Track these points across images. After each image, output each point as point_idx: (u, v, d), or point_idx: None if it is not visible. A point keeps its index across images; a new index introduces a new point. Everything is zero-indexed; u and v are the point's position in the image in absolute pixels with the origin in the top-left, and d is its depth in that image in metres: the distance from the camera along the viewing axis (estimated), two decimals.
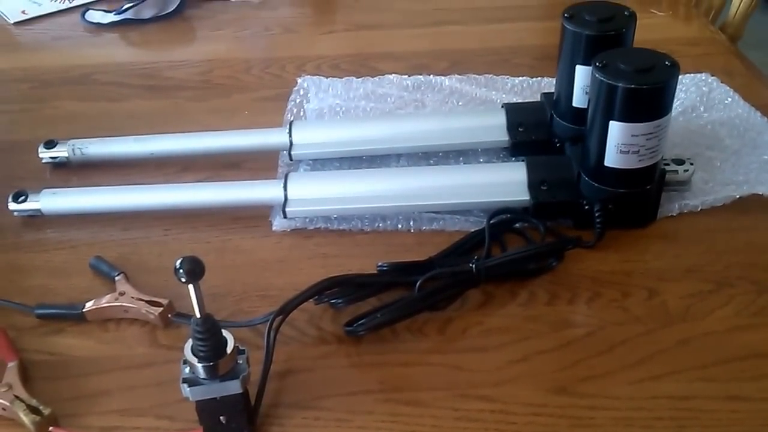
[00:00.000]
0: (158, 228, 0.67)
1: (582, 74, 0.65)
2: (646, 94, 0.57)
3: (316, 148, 0.74)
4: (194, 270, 0.42)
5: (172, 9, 1.06)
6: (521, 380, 0.53)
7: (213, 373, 0.45)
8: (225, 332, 0.46)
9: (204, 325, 0.44)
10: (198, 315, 0.44)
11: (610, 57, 0.58)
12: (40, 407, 0.50)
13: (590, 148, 0.62)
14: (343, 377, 0.54)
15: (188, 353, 0.45)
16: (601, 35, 0.63)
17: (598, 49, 0.61)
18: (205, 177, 0.74)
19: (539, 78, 0.86)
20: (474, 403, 0.52)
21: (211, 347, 0.45)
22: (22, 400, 0.51)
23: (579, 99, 0.67)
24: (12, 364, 0.54)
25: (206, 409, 0.47)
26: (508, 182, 0.66)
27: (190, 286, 0.43)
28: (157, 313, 0.57)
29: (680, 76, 0.59)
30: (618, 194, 0.62)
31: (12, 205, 0.69)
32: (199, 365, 0.45)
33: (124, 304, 0.58)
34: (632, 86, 0.56)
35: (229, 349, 0.46)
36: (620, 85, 0.56)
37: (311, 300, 0.57)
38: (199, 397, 0.46)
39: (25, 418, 0.50)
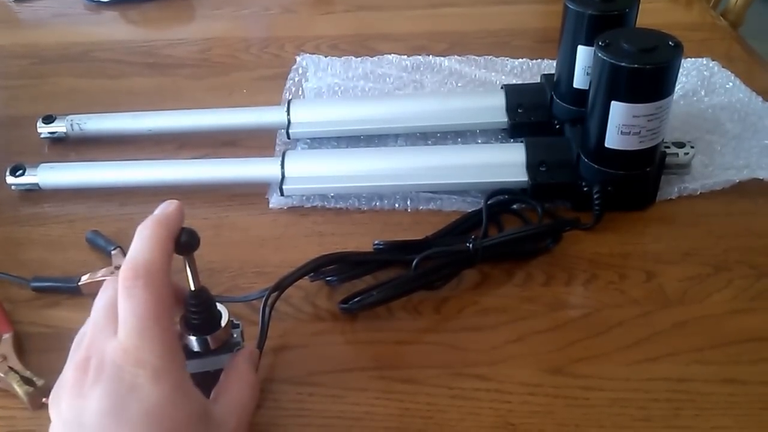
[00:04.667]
0: (155, 204, 0.64)
1: (583, 55, 0.65)
2: (649, 74, 0.56)
3: (314, 126, 0.74)
4: (189, 242, 0.42)
5: None
6: (517, 360, 0.53)
7: (206, 346, 0.45)
8: (220, 306, 0.46)
9: (197, 298, 0.44)
10: (192, 287, 0.44)
11: (613, 36, 0.58)
12: (34, 378, 0.50)
13: (590, 129, 0.61)
14: (338, 354, 0.54)
15: (182, 326, 0.45)
16: (603, 15, 0.63)
17: (601, 29, 0.60)
18: (203, 154, 0.74)
19: (539, 60, 0.85)
20: (469, 381, 0.51)
21: (205, 320, 0.45)
22: (16, 372, 0.51)
23: (580, 80, 0.66)
24: (7, 336, 0.54)
25: (200, 383, 0.47)
26: (507, 163, 0.66)
27: (185, 258, 0.42)
28: None
29: (682, 60, 0.58)
30: (617, 176, 0.62)
31: (9, 179, 0.68)
32: (193, 338, 0.45)
33: None
34: (635, 66, 0.56)
35: (223, 323, 0.46)
36: (623, 64, 0.56)
37: (307, 277, 0.57)
38: (192, 370, 0.46)
39: (19, 389, 0.50)
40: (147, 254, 0.39)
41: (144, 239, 0.40)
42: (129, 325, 0.38)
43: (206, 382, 0.47)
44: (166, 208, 0.42)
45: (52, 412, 0.39)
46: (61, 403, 0.39)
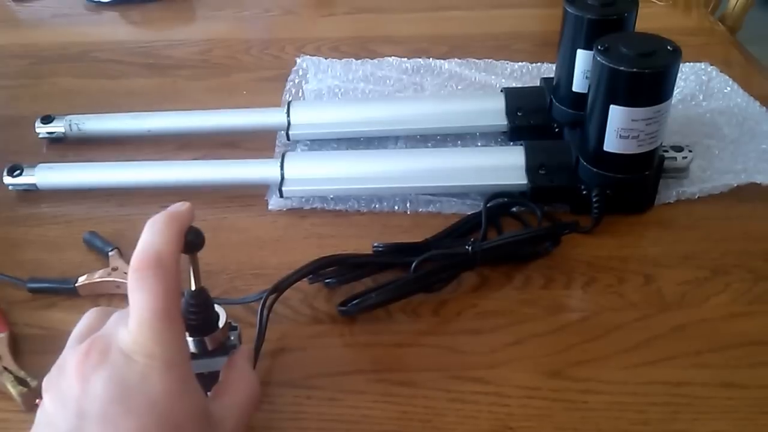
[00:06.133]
0: (154, 205, 0.65)
1: (583, 59, 0.65)
2: (647, 79, 0.56)
3: (314, 128, 0.74)
4: (195, 241, 0.42)
5: None
6: (515, 363, 0.53)
7: (203, 348, 0.45)
8: (218, 308, 0.46)
9: (197, 298, 0.44)
10: (193, 287, 0.44)
11: (612, 41, 0.58)
12: (28, 379, 0.50)
13: (590, 132, 0.61)
14: (336, 357, 0.54)
15: None
16: (602, 19, 0.63)
17: (600, 33, 0.60)
18: (202, 155, 0.74)
19: (539, 63, 0.86)
20: (467, 384, 0.51)
21: (203, 321, 0.44)
22: (10, 372, 0.51)
23: (579, 84, 0.66)
24: (2, 336, 0.54)
25: None
26: (506, 166, 0.66)
27: (188, 257, 0.42)
28: None
29: (680, 65, 0.59)
30: (616, 180, 0.62)
31: (7, 179, 0.68)
32: (190, 339, 0.45)
33: (116, 279, 0.58)
34: (634, 70, 0.56)
35: (220, 324, 0.45)
36: (622, 68, 0.56)
37: (305, 279, 0.57)
38: None
39: (12, 390, 0.50)
40: (159, 245, 0.39)
41: (155, 232, 0.40)
42: (141, 317, 0.38)
43: (202, 383, 0.46)
44: (179, 207, 0.42)
45: (47, 395, 0.39)
46: (62, 384, 0.38)
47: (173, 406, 0.38)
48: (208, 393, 0.47)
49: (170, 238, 0.40)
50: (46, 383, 0.39)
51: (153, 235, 0.40)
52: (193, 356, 0.45)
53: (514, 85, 0.81)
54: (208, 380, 0.46)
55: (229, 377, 0.45)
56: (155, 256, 0.39)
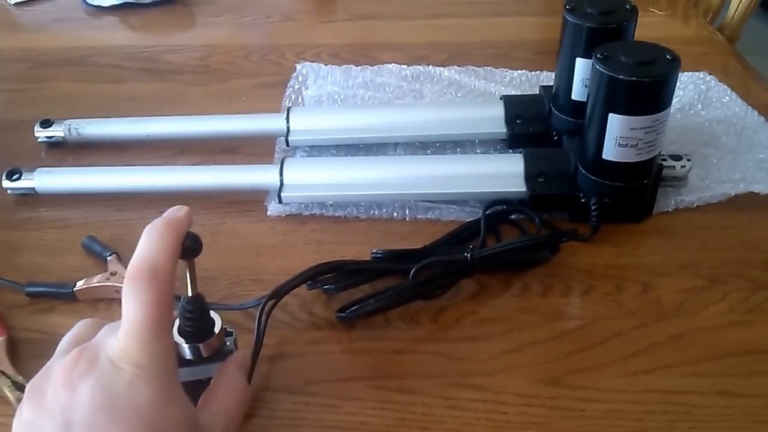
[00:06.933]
0: (153, 210, 0.66)
1: (582, 67, 0.65)
2: (646, 87, 0.56)
3: (314, 134, 0.74)
4: (193, 246, 0.42)
5: None
6: (513, 370, 0.53)
7: (199, 354, 0.45)
8: (213, 314, 0.46)
9: (194, 304, 0.44)
10: (190, 293, 0.44)
11: (611, 49, 0.58)
12: (26, 384, 0.50)
13: (588, 140, 0.61)
14: (334, 363, 0.54)
15: (174, 333, 0.45)
16: (602, 28, 0.63)
17: (599, 41, 0.60)
18: (202, 161, 0.74)
19: (538, 71, 0.86)
20: (465, 392, 0.51)
21: (198, 328, 0.45)
22: (7, 376, 0.51)
23: (578, 92, 0.66)
24: (0, 340, 0.54)
25: (191, 391, 0.46)
26: (505, 173, 0.66)
27: (186, 263, 0.42)
28: None
29: (679, 74, 0.59)
30: (615, 188, 0.62)
31: (6, 183, 0.68)
32: (185, 346, 0.45)
33: (115, 284, 0.58)
34: (633, 79, 0.56)
35: (216, 330, 0.45)
36: (621, 77, 0.56)
37: (304, 285, 0.57)
38: (183, 378, 0.45)
39: (10, 395, 0.50)
40: (155, 254, 0.39)
41: (152, 240, 0.40)
42: (131, 326, 0.38)
43: (197, 390, 0.46)
44: (176, 212, 0.42)
45: (28, 403, 0.39)
46: (47, 392, 0.38)
47: (160, 414, 0.38)
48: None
49: (167, 246, 0.40)
50: (30, 391, 0.39)
51: (150, 242, 0.40)
52: (189, 363, 0.45)
53: (513, 92, 0.81)
54: (204, 387, 0.46)
55: (218, 383, 0.45)
56: (151, 265, 0.39)
